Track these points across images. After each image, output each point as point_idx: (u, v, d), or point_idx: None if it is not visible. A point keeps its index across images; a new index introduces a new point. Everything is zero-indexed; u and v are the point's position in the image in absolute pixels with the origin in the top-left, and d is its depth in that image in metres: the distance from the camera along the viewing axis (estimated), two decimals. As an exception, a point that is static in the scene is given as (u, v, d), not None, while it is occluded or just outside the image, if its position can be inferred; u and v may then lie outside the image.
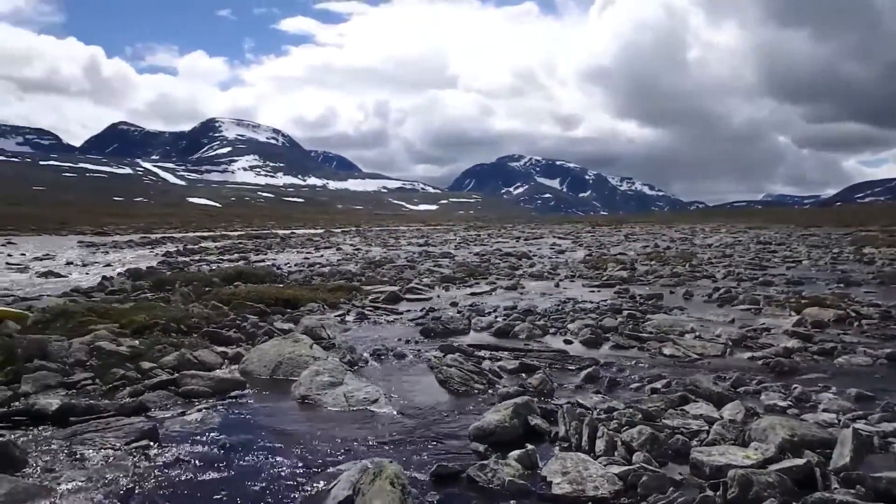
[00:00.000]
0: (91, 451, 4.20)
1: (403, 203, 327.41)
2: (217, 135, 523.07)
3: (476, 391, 5.71)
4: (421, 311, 10.31)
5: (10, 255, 26.44)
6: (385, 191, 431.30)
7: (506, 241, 36.90)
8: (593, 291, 12.81)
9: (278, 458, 4.17)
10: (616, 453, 3.99)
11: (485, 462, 3.87)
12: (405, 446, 4.39)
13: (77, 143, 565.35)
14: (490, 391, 5.70)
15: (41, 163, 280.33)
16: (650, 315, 9.23)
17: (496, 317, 9.60)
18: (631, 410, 4.70)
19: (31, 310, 9.80)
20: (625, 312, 9.41)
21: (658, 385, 5.71)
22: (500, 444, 4.24)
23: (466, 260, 21.80)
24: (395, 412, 5.16)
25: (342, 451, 4.31)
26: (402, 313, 10.22)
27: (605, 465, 3.80)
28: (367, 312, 10.10)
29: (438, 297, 12.30)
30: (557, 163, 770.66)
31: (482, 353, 7.11)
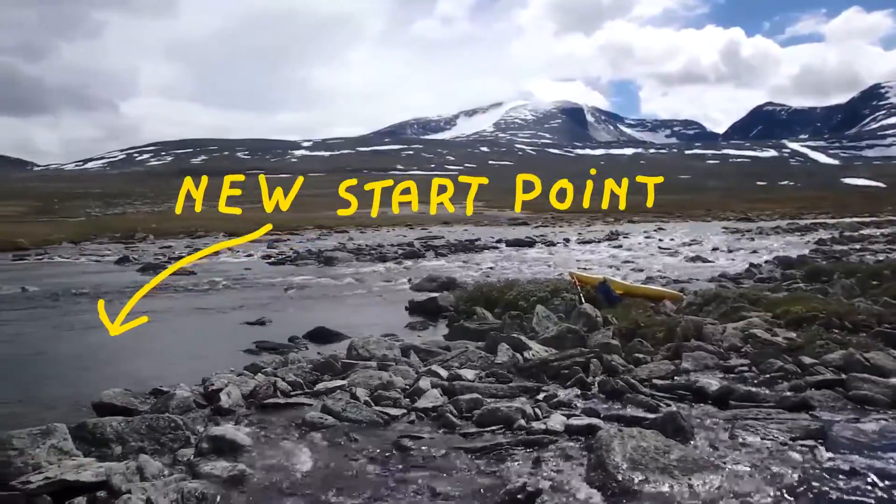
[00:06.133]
0: (752, 437, 4.46)
1: None
2: (882, 103, 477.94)
3: None
4: None
5: (660, 240, 30.83)
6: None
7: None
8: None
9: None
10: None
11: None
12: None
13: (719, 130, 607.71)
14: None
15: (686, 152, 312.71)
16: None
17: None
18: None
19: (683, 291, 11.15)
20: None
21: None
22: None
23: None
24: None
25: None
26: None
27: None
28: None
29: None
30: None
31: None
